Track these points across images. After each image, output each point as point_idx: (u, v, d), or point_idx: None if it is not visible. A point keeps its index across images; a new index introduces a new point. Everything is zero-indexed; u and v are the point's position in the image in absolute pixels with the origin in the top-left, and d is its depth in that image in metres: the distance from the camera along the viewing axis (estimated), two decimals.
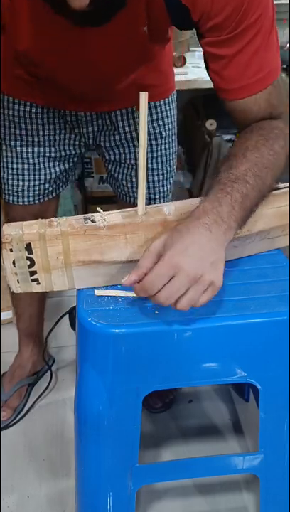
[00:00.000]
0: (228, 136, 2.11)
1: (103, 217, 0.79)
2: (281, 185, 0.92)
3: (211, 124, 1.98)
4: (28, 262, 0.78)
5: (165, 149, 1.14)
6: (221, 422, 1.29)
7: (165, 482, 1.11)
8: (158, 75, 1.05)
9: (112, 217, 0.80)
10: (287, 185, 0.91)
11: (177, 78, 1.79)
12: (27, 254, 0.78)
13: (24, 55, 0.90)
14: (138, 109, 0.74)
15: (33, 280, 0.80)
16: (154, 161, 1.13)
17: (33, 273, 0.79)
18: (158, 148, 1.13)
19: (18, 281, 0.80)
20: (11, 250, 0.77)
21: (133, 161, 1.13)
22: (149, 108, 1.06)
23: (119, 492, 0.89)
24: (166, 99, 1.11)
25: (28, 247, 0.77)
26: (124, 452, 0.86)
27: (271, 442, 0.88)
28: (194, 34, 0.84)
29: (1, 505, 1.11)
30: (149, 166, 1.13)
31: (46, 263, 0.79)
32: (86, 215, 0.80)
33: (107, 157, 1.16)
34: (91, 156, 2.03)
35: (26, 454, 1.23)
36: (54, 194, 1.20)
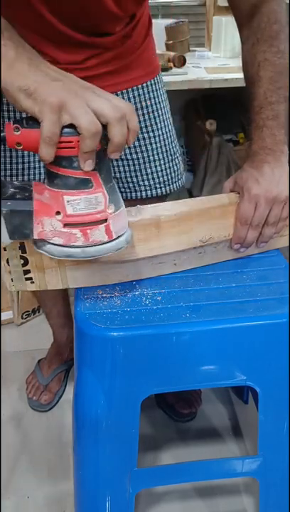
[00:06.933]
0: (228, 136, 2.10)
1: None
2: None
3: (211, 124, 1.97)
4: (22, 261, 0.78)
5: (165, 139, 1.07)
6: (220, 424, 1.28)
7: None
8: (146, 45, 0.98)
9: None
10: None
11: (177, 78, 1.81)
12: (21, 253, 0.77)
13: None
14: None
15: (27, 279, 0.80)
16: (155, 152, 1.07)
17: (26, 272, 0.79)
18: (156, 140, 1.06)
19: (12, 280, 0.80)
20: (5, 249, 0.77)
21: (134, 156, 1.06)
22: (137, 91, 1.01)
23: (117, 496, 0.88)
24: (156, 78, 1.04)
25: (22, 246, 0.77)
26: (123, 456, 0.85)
27: (270, 445, 0.88)
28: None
29: (0, 505, 1.11)
30: (151, 158, 1.06)
31: (40, 262, 0.78)
32: None
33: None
34: None
35: (26, 455, 1.23)
36: None
